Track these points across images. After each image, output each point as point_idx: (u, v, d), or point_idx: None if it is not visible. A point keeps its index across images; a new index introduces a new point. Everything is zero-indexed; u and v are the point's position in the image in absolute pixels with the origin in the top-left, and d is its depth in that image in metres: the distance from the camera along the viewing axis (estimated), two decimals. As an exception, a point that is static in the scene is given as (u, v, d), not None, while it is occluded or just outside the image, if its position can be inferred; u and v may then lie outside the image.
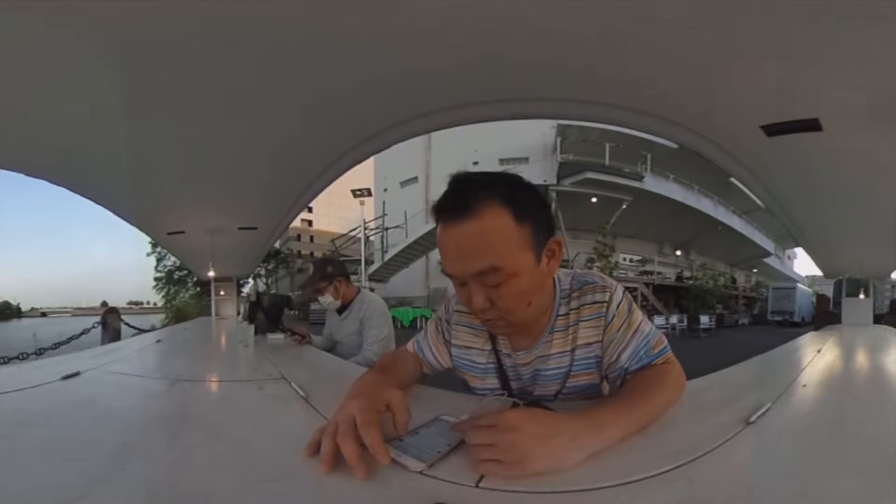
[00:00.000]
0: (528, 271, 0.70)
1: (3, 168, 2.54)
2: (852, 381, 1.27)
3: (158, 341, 2.09)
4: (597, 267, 16.26)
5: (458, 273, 0.70)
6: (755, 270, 27.96)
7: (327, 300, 2.12)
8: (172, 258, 12.90)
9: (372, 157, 3.88)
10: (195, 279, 12.26)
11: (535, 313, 0.79)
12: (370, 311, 2.07)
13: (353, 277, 2.30)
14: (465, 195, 0.67)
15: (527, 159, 18.10)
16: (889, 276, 4.18)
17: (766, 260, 26.12)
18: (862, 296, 3.55)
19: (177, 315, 12.60)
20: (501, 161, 18.41)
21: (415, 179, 22.49)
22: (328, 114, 2.39)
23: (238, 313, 3.99)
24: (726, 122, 2.29)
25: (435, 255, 17.37)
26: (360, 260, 18.34)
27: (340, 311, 2.17)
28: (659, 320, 12.74)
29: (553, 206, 17.82)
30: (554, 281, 0.85)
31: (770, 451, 0.62)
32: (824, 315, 3.82)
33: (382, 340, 2.02)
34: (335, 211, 33.53)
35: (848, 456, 0.59)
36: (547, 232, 0.73)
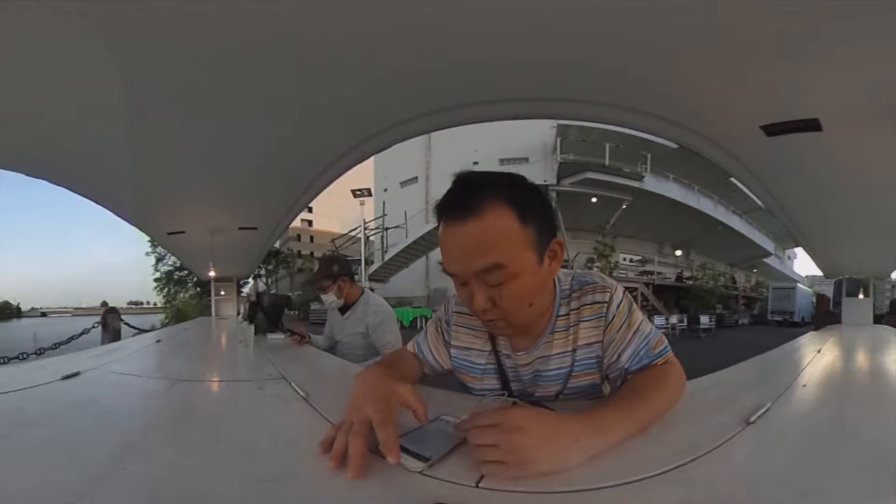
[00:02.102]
0: (531, 272, 0.70)
1: (3, 168, 2.54)
2: (852, 381, 1.27)
3: (158, 341, 2.09)
4: (597, 267, 16.26)
5: (460, 272, 0.70)
6: (755, 270, 27.97)
7: (330, 299, 2.11)
8: (172, 258, 12.89)
9: (372, 157, 3.88)
10: (195, 279, 12.27)
11: (535, 314, 0.79)
12: (382, 317, 2.06)
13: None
14: (469, 194, 0.67)
15: (527, 159, 18.10)
16: (889, 276, 4.18)
17: (766, 260, 26.12)
18: (862, 296, 3.55)
19: (177, 315, 12.59)
20: (501, 161, 18.41)
21: (415, 179, 22.48)
22: (328, 114, 2.39)
23: (238, 313, 3.99)
24: (726, 122, 2.29)
25: (435, 255, 17.38)
26: (360, 260, 18.32)
27: (343, 310, 2.16)
28: (659, 320, 12.71)
29: (553, 205, 17.80)
30: (554, 281, 0.85)
31: (770, 451, 0.62)
32: (824, 315, 3.82)
33: (398, 340, 2.03)
34: (335, 211, 33.51)
35: (848, 456, 0.59)
36: (549, 233, 0.73)
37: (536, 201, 0.71)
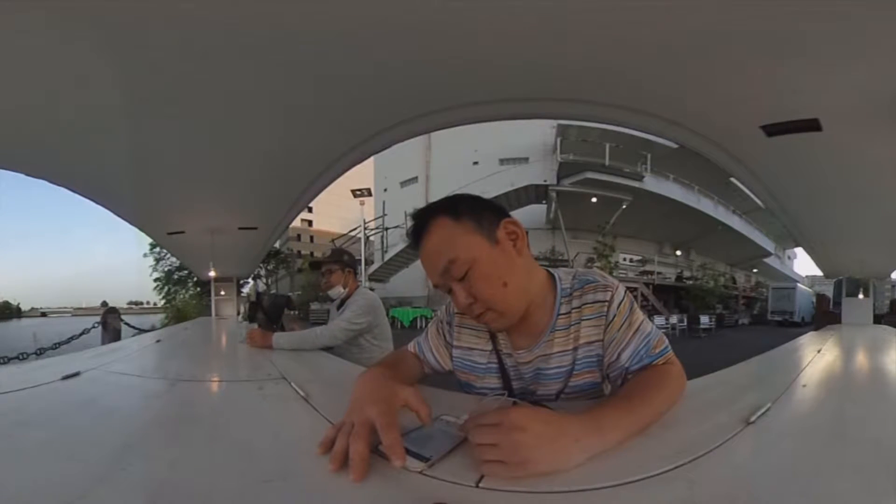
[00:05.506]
0: (485, 253, 0.78)
1: (3, 168, 2.54)
2: (852, 381, 1.27)
3: (158, 341, 2.09)
4: (597, 267, 16.26)
5: (437, 282, 0.81)
6: (755, 270, 27.94)
7: (337, 292, 2.16)
8: (172, 258, 12.88)
9: (372, 157, 3.89)
10: (195, 279, 12.26)
11: (519, 298, 0.81)
12: (356, 298, 2.09)
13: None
14: (417, 225, 0.82)
15: (527, 159, 18.10)
16: (889, 276, 4.18)
17: (766, 260, 26.10)
18: (862, 296, 3.55)
19: (177, 315, 12.58)
20: (501, 161, 18.42)
21: (415, 179, 22.49)
22: (328, 114, 2.39)
23: (238, 313, 4.00)
24: (726, 122, 2.29)
25: (435, 255, 17.31)
26: (360, 260, 18.30)
27: (340, 305, 2.19)
28: (659, 320, 12.72)
29: (553, 205, 17.82)
30: (554, 279, 0.86)
31: (770, 451, 0.62)
32: (824, 315, 3.82)
33: (356, 327, 1.97)
34: (335, 211, 33.50)
35: (848, 456, 0.59)
36: (491, 218, 0.81)
37: (468, 201, 0.82)
